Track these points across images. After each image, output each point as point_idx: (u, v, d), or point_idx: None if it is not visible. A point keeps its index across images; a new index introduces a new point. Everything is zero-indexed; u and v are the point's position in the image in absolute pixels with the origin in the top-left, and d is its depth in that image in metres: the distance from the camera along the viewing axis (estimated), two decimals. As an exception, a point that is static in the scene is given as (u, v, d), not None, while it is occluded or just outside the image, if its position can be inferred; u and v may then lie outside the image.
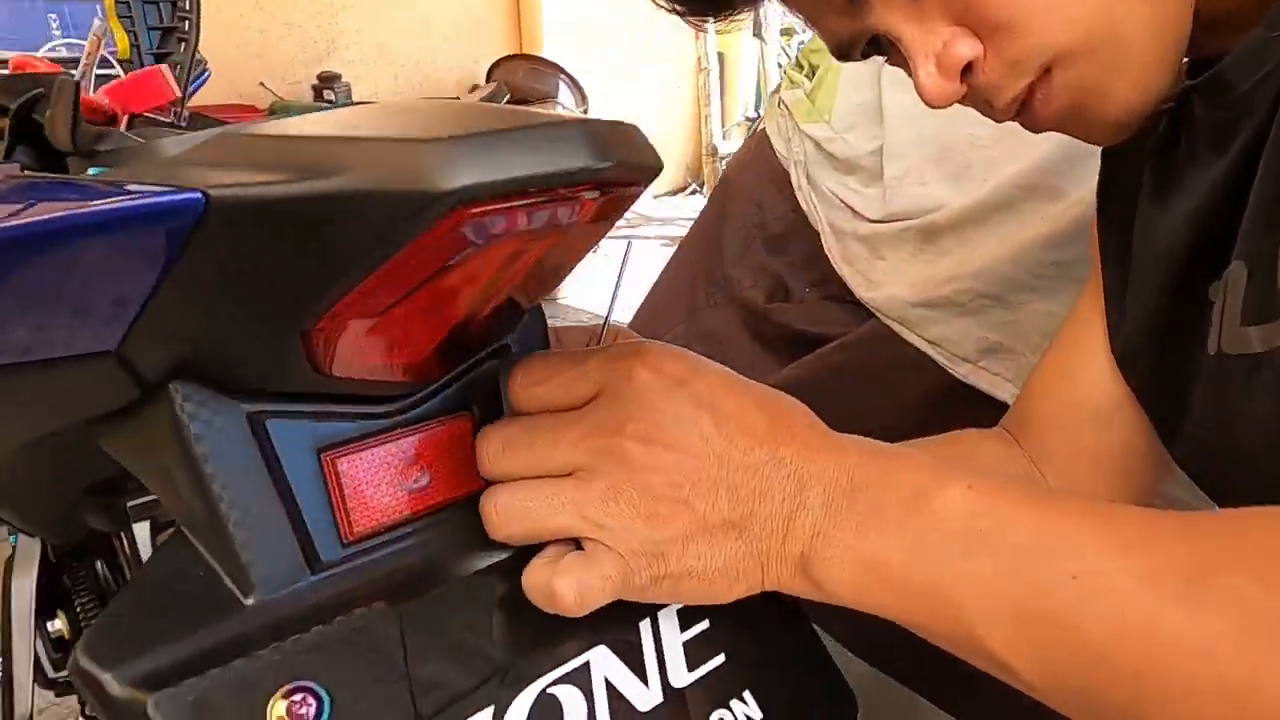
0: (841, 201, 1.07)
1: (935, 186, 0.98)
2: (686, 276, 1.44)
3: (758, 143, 1.29)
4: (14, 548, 0.80)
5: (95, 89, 0.47)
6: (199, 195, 0.22)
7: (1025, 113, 0.45)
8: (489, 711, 0.31)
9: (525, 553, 0.34)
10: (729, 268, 1.27)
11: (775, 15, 4.03)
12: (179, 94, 0.48)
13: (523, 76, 3.28)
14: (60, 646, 0.89)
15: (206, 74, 1.29)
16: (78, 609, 0.84)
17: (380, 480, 0.35)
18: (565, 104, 3.29)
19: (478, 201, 0.21)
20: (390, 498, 0.35)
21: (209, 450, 0.31)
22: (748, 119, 4.59)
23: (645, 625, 0.35)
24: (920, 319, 0.90)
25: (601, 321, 0.42)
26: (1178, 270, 0.46)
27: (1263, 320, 0.38)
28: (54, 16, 0.93)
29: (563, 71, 3.32)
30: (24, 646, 0.78)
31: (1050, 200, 0.84)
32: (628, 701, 0.33)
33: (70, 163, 0.32)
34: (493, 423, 0.35)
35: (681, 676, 0.35)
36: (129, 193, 0.23)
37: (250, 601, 0.31)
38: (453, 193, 0.20)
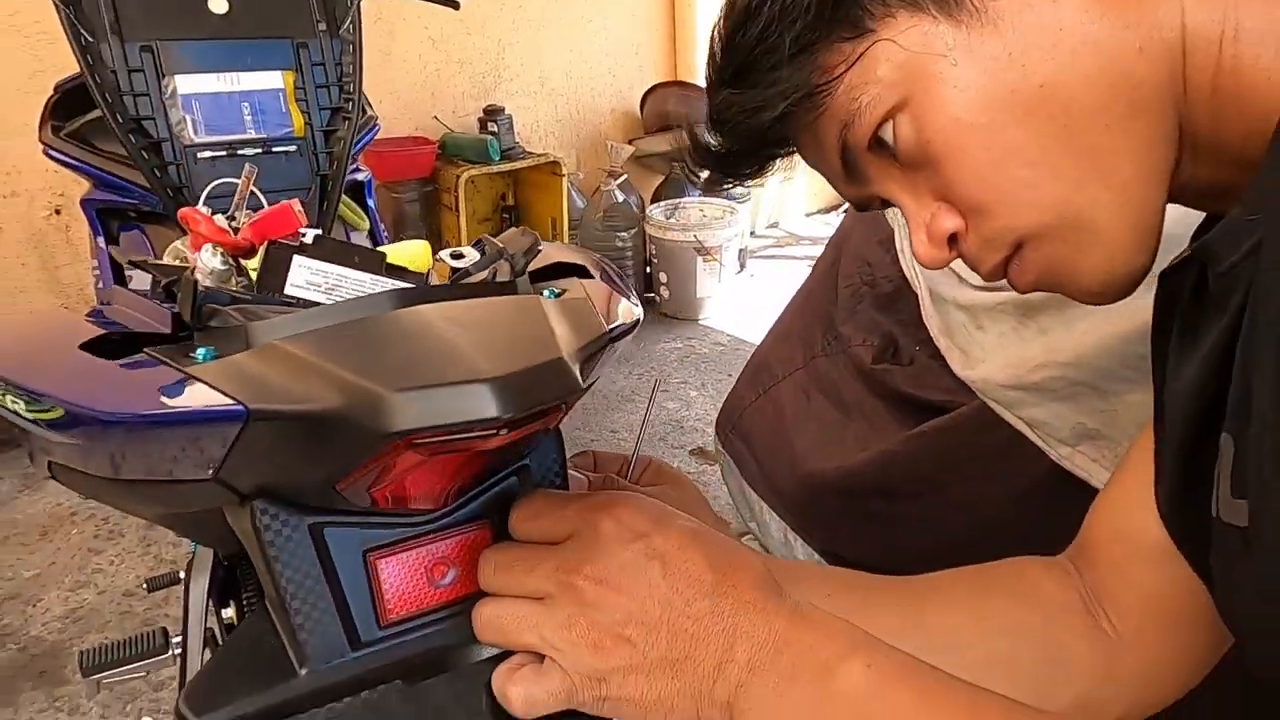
0: (948, 267, 1.06)
1: (1039, 256, 0.96)
2: (807, 319, 1.47)
3: (871, 198, 1.30)
4: (194, 554, 0.97)
5: (244, 221, 0.59)
6: (242, 408, 0.31)
7: (1008, 278, 0.47)
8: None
9: (520, 649, 0.41)
10: (840, 324, 1.28)
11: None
12: (304, 223, 0.59)
13: (673, 103, 3.38)
14: (231, 630, 1.06)
15: (376, 128, 1.46)
16: (244, 600, 1.00)
17: (412, 577, 0.43)
18: (715, 129, 3.34)
19: (413, 435, 0.28)
20: (419, 591, 0.43)
21: (278, 551, 0.40)
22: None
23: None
24: (1016, 400, 0.89)
25: (632, 453, 0.47)
26: (1191, 423, 0.45)
27: (1244, 495, 0.38)
28: (246, 105, 1.11)
29: (714, 97, 3.38)
30: (197, 629, 0.95)
31: (1148, 289, 0.81)
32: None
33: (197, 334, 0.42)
34: (494, 545, 0.42)
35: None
36: (203, 394, 0.32)
37: (303, 671, 0.40)
38: (391, 434, 0.27)
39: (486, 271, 0.48)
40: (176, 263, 0.52)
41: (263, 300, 0.44)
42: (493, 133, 2.85)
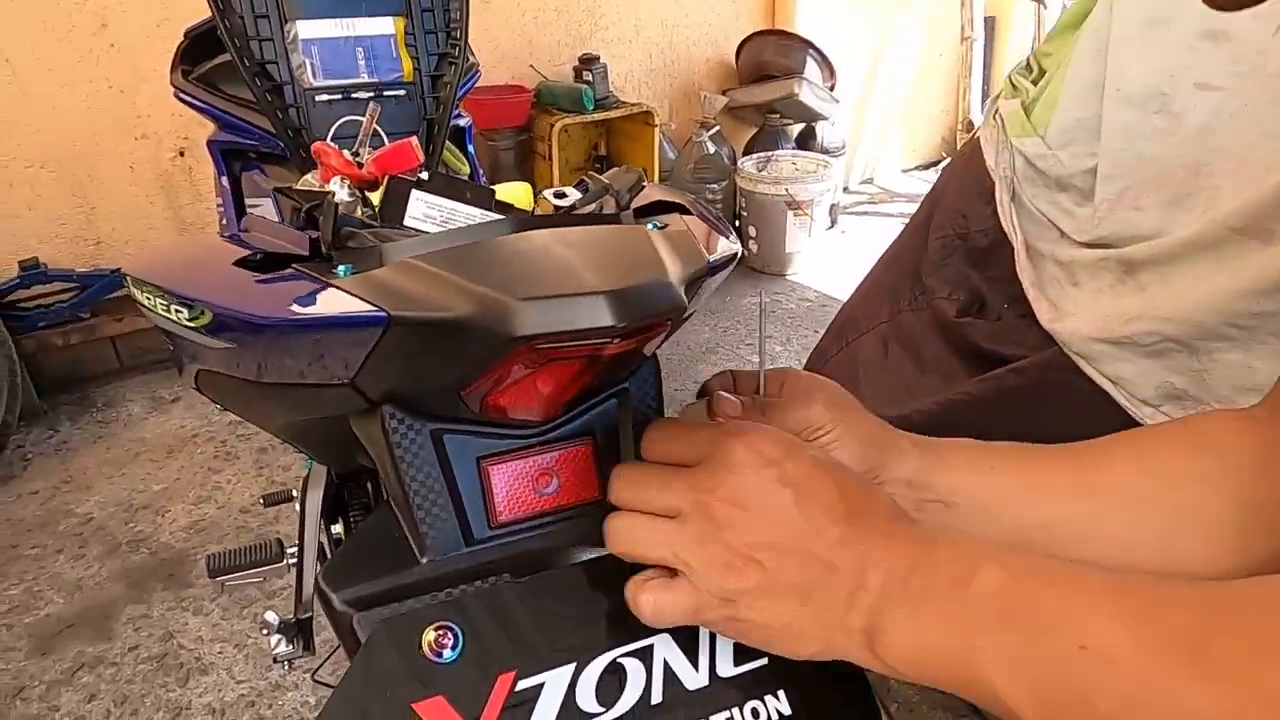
0: (1049, 221, 1.04)
1: (1151, 213, 0.92)
2: (895, 274, 1.45)
3: (972, 150, 1.26)
4: (309, 471, 1.05)
5: (367, 157, 0.63)
6: (384, 314, 0.34)
7: None
8: (571, 667, 0.42)
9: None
10: (927, 276, 1.26)
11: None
12: (421, 160, 0.63)
13: (771, 53, 3.30)
14: (338, 544, 1.15)
15: (477, 75, 1.50)
16: (351, 517, 1.08)
17: (519, 483, 0.47)
18: (812, 79, 3.27)
19: (535, 340, 0.31)
20: (525, 497, 0.47)
21: (404, 453, 0.45)
22: (1017, 88, 4.23)
23: (704, 628, 0.45)
24: (1102, 354, 0.87)
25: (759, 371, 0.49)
26: None
27: None
28: (360, 50, 1.16)
29: (811, 46, 3.29)
30: (312, 542, 1.03)
31: (1264, 243, 0.78)
32: (679, 680, 0.43)
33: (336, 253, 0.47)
34: (626, 463, 0.43)
35: (728, 669, 0.44)
36: (347, 301, 0.36)
37: (424, 560, 0.45)
38: (519, 338, 0.31)
39: (593, 205, 0.51)
40: (346, 196, 0.57)
41: (390, 227, 0.48)
42: (588, 82, 2.86)
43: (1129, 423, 0.85)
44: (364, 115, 0.89)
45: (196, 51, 1.51)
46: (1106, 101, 0.99)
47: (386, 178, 0.63)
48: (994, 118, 1.18)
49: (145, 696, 1.48)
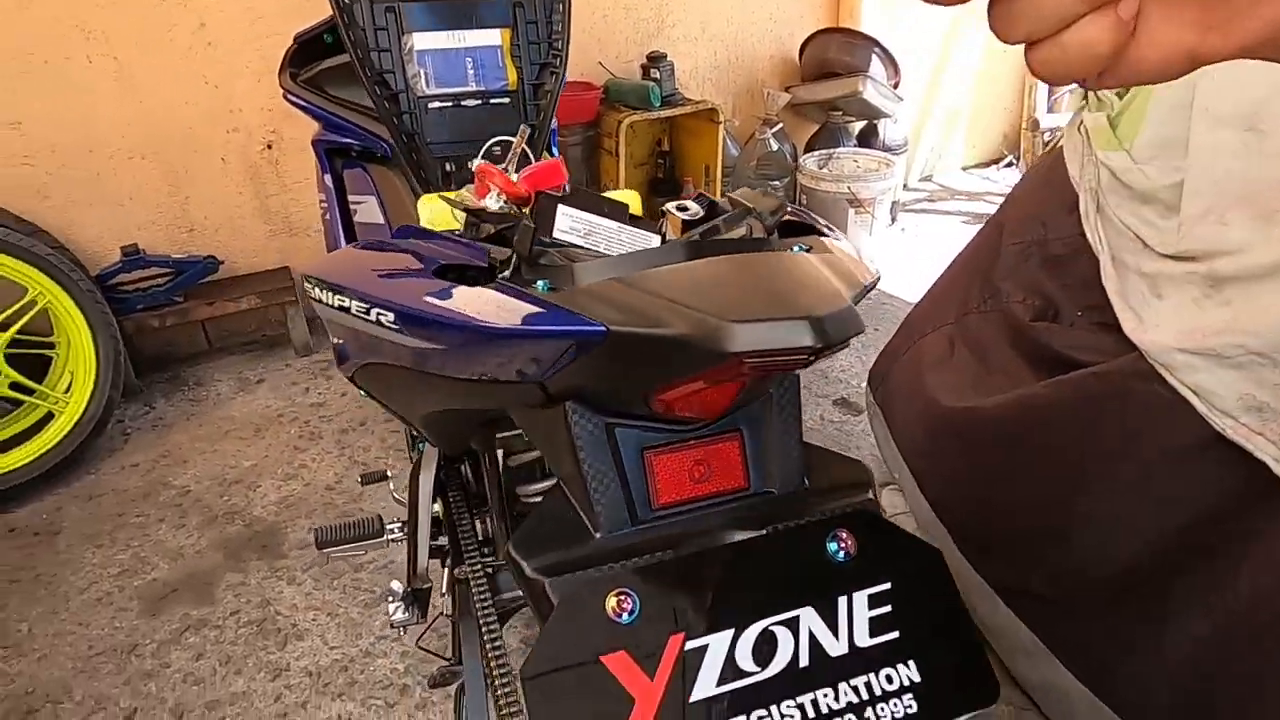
0: (1132, 232, 1.07)
1: (1237, 228, 0.96)
2: (968, 275, 1.49)
3: (1054, 160, 1.29)
4: (421, 453, 1.13)
5: (517, 174, 0.70)
6: (603, 329, 0.41)
7: None
8: (730, 633, 0.49)
9: (768, 534, 0.51)
10: (1000, 279, 1.30)
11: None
12: (567, 177, 0.70)
13: (835, 50, 3.32)
14: (435, 524, 1.24)
15: (563, 80, 1.57)
16: (449, 498, 1.17)
17: (677, 472, 0.53)
18: (876, 76, 3.28)
19: (743, 357, 0.37)
20: (682, 484, 0.54)
21: (581, 442, 0.51)
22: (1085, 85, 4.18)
23: (843, 601, 0.51)
24: (1184, 365, 0.91)
25: None
26: None
27: None
28: (469, 60, 1.23)
29: (876, 44, 3.30)
30: (426, 518, 1.11)
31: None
32: (822, 647, 0.49)
33: (524, 268, 0.54)
34: None
35: (864, 639, 0.50)
36: (571, 316, 0.43)
37: (598, 536, 0.52)
38: (732, 354, 0.37)
39: (742, 228, 0.57)
40: (498, 208, 0.63)
41: (576, 245, 0.55)
42: (655, 79, 2.92)
43: (1207, 431, 0.89)
44: (471, 121, 0.97)
45: (304, 56, 1.60)
46: (1195, 120, 1.02)
47: (535, 193, 0.70)
48: (1078, 129, 1.22)
49: (248, 658, 1.59)
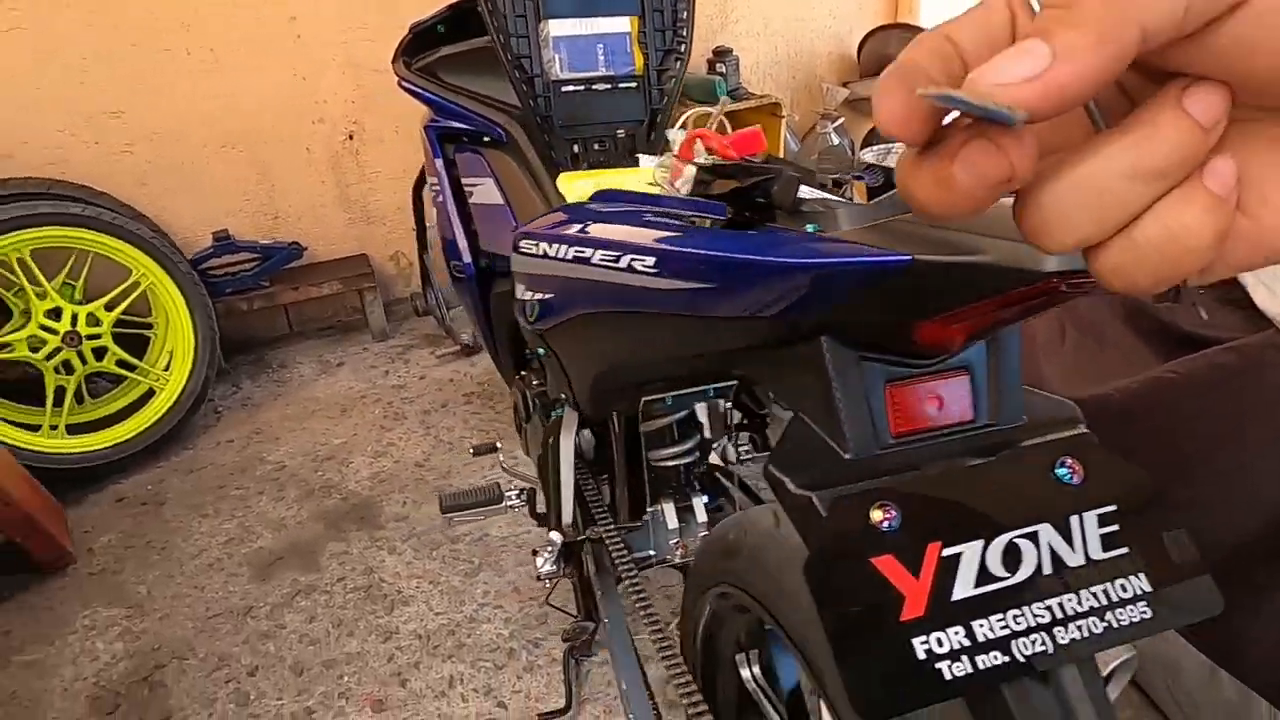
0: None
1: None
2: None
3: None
4: (563, 416, 1.19)
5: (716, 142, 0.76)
6: (909, 258, 0.46)
7: None
8: (980, 543, 0.54)
9: (1003, 457, 0.56)
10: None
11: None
12: (763, 146, 0.75)
13: (895, 45, 3.35)
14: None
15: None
16: (575, 463, 1.22)
17: (914, 404, 0.59)
18: (935, 72, 3.31)
19: (1054, 278, 0.43)
20: (917, 415, 0.59)
21: (835, 373, 0.57)
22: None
23: (1075, 519, 0.56)
24: (1322, 333, 0.95)
25: None
26: None
27: None
28: (600, 46, 1.29)
29: (937, 39, 3.34)
30: (569, 477, 1.17)
31: None
32: (1061, 558, 0.54)
33: (779, 215, 0.59)
34: None
35: (1097, 553, 0.55)
36: (871, 249, 0.48)
37: (847, 456, 0.57)
38: (1046, 274, 0.42)
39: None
40: (736, 162, 0.69)
41: (825, 198, 0.60)
42: (720, 73, 2.97)
43: None
44: (600, 104, 1.03)
45: (418, 45, 1.67)
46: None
47: (766, 161, 0.75)
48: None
49: (358, 620, 1.66)
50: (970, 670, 0.50)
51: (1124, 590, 0.54)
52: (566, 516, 1.12)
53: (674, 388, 1.00)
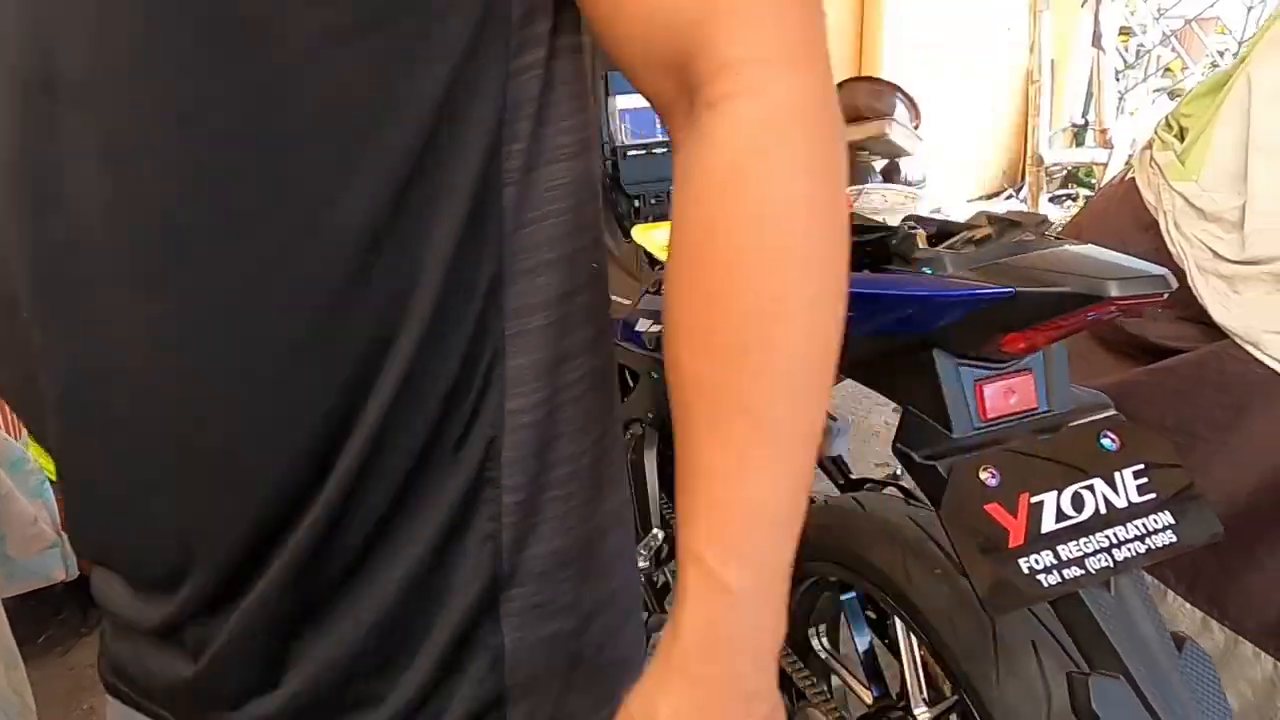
0: (1203, 244, 1.37)
1: (1291, 238, 1.25)
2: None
3: (1125, 190, 1.59)
4: (644, 434, 1.38)
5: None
6: (1012, 290, 0.68)
7: None
8: (1055, 492, 0.74)
9: (1064, 432, 0.78)
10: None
11: (1112, 22, 4.03)
12: (851, 207, 0.96)
13: (864, 97, 3.66)
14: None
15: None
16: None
17: (996, 396, 0.80)
18: (900, 120, 3.62)
19: (1116, 301, 0.64)
20: (999, 405, 0.80)
21: (943, 374, 0.78)
22: (1074, 125, 4.60)
23: (1118, 474, 0.77)
24: (1269, 341, 1.19)
25: None
26: None
27: None
28: (658, 118, 1.51)
29: (899, 90, 3.65)
30: (655, 497, 1.35)
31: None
32: (1110, 502, 0.76)
33: (895, 261, 0.80)
34: None
35: (1135, 498, 0.77)
36: (981, 285, 0.70)
37: (953, 435, 0.78)
38: (1110, 299, 0.64)
39: (1030, 234, 0.83)
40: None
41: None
42: (709, 124, 3.23)
43: None
44: (658, 166, 1.23)
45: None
46: (1251, 155, 1.33)
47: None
48: (1150, 164, 1.52)
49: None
50: (1060, 580, 0.71)
51: (1155, 523, 0.76)
52: (655, 519, 1.30)
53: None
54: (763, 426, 0.35)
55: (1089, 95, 4.43)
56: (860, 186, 3.66)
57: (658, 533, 1.27)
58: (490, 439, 0.42)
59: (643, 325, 1.09)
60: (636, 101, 1.49)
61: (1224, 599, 1.25)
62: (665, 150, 1.52)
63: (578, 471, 0.45)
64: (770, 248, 0.35)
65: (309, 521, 0.39)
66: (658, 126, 1.54)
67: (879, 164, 3.93)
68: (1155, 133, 1.57)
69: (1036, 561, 0.72)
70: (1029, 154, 3.97)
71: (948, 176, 4.44)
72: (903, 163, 3.94)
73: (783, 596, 0.37)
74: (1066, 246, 0.74)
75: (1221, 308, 1.28)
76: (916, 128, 3.79)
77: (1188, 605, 1.29)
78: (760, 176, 0.35)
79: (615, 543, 0.49)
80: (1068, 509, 0.74)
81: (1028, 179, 3.93)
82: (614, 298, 1.35)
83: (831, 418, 1.43)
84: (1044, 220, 0.85)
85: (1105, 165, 3.68)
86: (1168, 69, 4.38)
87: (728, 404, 0.36)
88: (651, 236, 1.35)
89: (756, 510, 0.36)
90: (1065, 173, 4.48)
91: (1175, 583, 1.32)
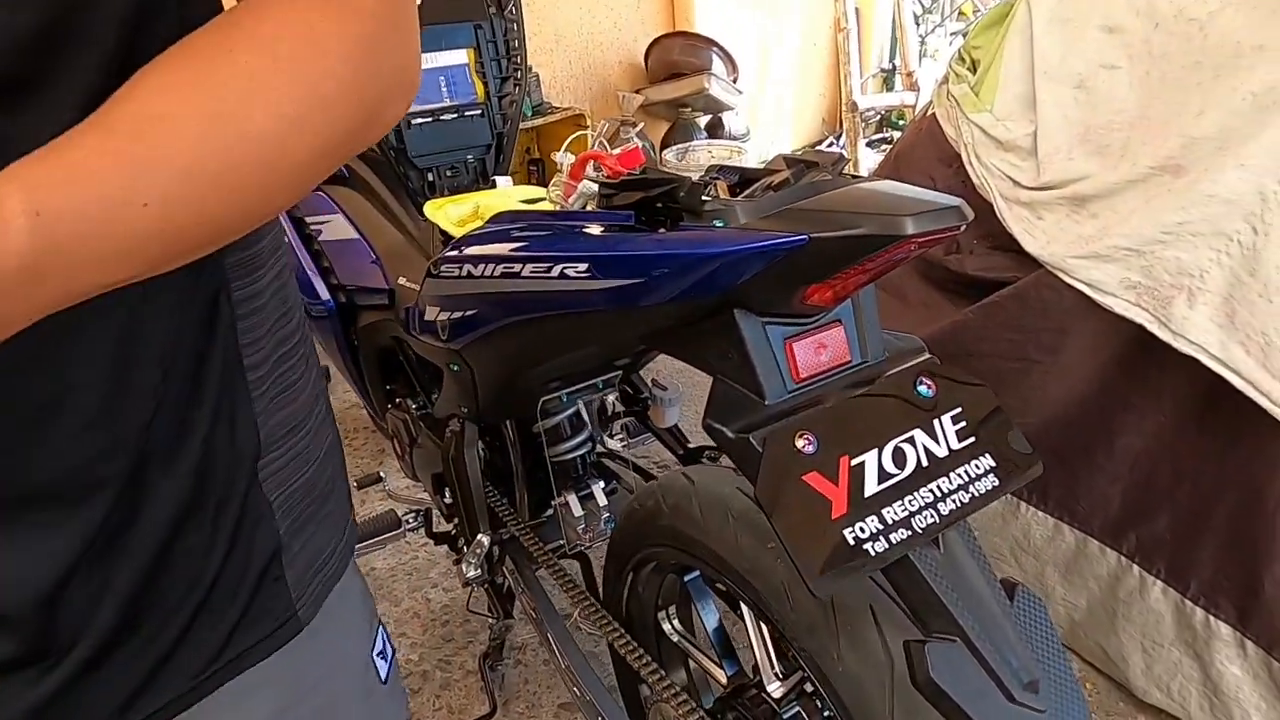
0: (1003, 174, 1.38)
1: (1080, 161, 1.28)
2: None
3: (928, 126, 1.60)
4: (463, 431, 1.26)
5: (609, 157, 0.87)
6: (805, 237, 0.61)
7: None
8: (875, 450, 0.69)
9: (879, 384, 0.72)
10: (905, 228, 1.60)
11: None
12: (644, 160, 0.88)
13: (679, 52, 3.62)
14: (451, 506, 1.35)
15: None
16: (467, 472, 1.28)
17: (807, 354, 0.74)
18: (718, 74, 3.60)
19: (914, 238, 0.58)
20: (810, 362, 0.74)
21: (748, 336, 0.70)
22: (882, 70, 4.76)
23: (936, 422, 0.73)
24: (1077, 266, 1.21)
25: None
26: None
27: None
28: (442, 79, 1.36)
29: (715, 44, 3.63)
30: (479, 490, 1.23)
31: (1175, 175, 1.13)
32: (931, 452, 0.71)
33: (685, 216, 0.71)
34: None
35: (955, 445, 0.72)
36: (773, 234, 0.62)
37: (766, 402, 0.71)
38: (908, 238, 0.58)
39: (827, 174, 0.77)
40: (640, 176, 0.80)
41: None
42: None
43: (1106, 315, 1.19)
44: (449, 133, 1.12)
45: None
46: (1037, 81, 1.35)
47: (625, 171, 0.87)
48: (947, 99, 1.53)
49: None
50: (888, 545, 0.66)
51: (977, 468, 0.72)
52: (483, 521, 1.19)
53: (576, 383, 1.11)
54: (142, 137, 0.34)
55: (894, 40, 4.59)
56: (686, 145, 3.63)
57: (483, 539, 1.16)
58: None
59: (432, 314, 0.97)
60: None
61: (1073, 502, 1.29)
62: (455, 116, 1.38)
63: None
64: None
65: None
66: (443, 89, 1.39)
67: (703, 120, 3.92)
68: (949, 66, 1.59)
69: (862, 530, 0.66)
70: (844, 101, 4.06)
71: (771, 128, 4.50)
72: (725, 118, 3.94)
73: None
74: (860, 185, 0.67)
75: (1029, 236, 1.30)
76: (735, 81, 3.80)
77: (1040, 513, 1.33)
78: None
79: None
80: (890, 466, 0.69)
81: (844, 125, 4.02)
82: (404, 283, 1.21)
83: (662, 387, 1.35)
84: (840, 159, 0.79)
85: (913, 107, 3.82)
86: (961, 12, 4.59)
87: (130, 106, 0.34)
88: (446, 212, 1.22)
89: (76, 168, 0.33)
90: (879, 117, 4.64)
91: (1028, 495, 1.35)
